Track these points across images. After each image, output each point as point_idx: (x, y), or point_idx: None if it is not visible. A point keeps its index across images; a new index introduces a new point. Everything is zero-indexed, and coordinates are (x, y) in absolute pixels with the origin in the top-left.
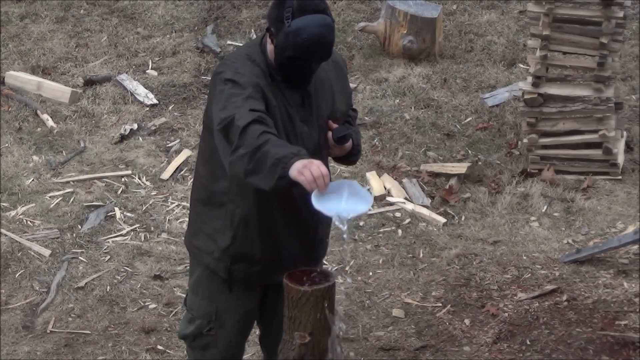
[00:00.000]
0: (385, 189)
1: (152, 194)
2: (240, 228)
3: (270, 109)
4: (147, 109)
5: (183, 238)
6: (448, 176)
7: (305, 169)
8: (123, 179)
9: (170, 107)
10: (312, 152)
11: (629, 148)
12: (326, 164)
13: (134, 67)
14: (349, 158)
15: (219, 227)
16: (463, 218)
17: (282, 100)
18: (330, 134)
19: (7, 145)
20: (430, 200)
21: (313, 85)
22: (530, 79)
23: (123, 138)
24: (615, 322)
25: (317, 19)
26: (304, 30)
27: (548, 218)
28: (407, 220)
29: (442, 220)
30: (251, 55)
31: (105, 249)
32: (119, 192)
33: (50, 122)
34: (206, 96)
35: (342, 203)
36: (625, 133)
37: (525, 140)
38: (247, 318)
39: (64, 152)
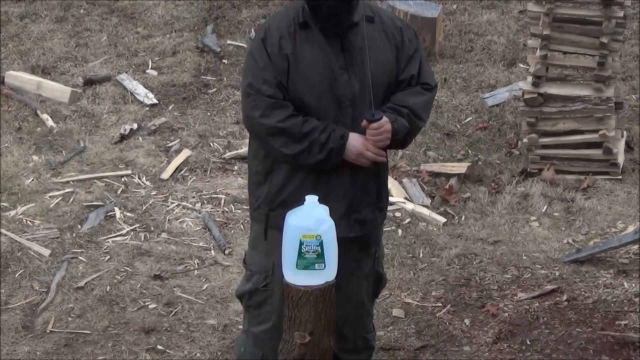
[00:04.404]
0: None
1: (152, 193)
2: (270, 174)
3: (288, 58)
4: (147, 108)
5: (183, 238)
6: (448, 176)
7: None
8: (123, 179)
9: (170, 107)
10: (351, 100)
11: (629, 148)
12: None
13: (133, 66)
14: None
15: (257, 181)
16: (463, 218)
17: (315, 47)
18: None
19: (7, 145)
20: (430, 200)
21: (359, 37)
22: (530, 78)
23: (123, 138)
24: (616, 322)
25: None
26: None
27: (548, 218)
28: (407, 220)
29: (442, 220)
30: (291, 7)
31: (105, 249)
32: (119, 192)
33: (50, 122)
34: (206, 96)
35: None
36: (625, 133)
37: (525, 140)
38: None
39: (63, 152)
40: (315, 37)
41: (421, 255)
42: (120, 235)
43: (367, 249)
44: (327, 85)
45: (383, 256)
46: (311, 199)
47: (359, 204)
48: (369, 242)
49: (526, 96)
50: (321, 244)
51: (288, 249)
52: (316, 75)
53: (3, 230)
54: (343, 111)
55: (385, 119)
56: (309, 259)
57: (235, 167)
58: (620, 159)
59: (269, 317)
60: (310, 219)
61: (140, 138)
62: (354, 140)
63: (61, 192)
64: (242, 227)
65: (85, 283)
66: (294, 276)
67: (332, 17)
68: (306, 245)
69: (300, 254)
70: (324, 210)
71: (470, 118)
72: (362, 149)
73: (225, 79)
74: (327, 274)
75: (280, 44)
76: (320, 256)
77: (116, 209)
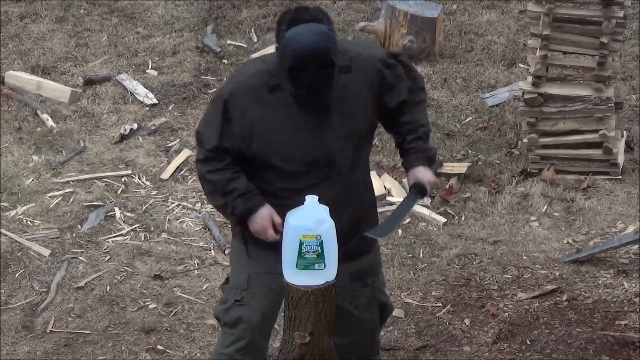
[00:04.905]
0: (385, 189)
1: (152, 193)
2: None
3: (253, 126)
4: (147, 108)
5: (183, 238)
6: (448, 176)
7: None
8: (123, 179)
9: (170, 107)
10: (326, 159)
11: (629, 148)
12: (349, 168)
13: (133, 66)
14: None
15: None
16: (463, 218)
17: (284, 113)
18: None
19: (7, 145)
20: (430, 200)
21: (334, 92)
22: (530, 78)
23: (123, 138)
24: (615, 322)
25: (309, 28)
26: (296, 38)
27: (548, 218)
28: (407, 220)
29: (442, 220)
30: (267, 62)
31: (105, 249)
32: (119, 192)
33: (50, 122)
34: (206, 96)
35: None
36: (625, 133)
37: (525, 140)
38: (277, 294)
39: (63, 152)
40: (286, 101)
41: (421, 255)
42: (120, 235)
43: (362, 279)
44: (299, 152)
45: (384, 284)
46: (311, 199)
47: (347, 236)
48: (363, 271)
49: (526, 96)
50: (321, 244)
51: (288, 249)
52: (285, 143)
53: (3, 230)
54: (318, 172)
55: (427, 176)
56: (309, 259)
57: None
58: (620, 159)
59: (243, 335)
60: (310, 219)
61: (140, 138)
62: (260, 218)
63: (61, 192)
64: None
65: (85, 283)
66: (294, 276)
67: (313, 88)
68: (306, 245)
69: (300, 254)
70: (324, 210)
71: (470, 118)
72: (261, 230)
73: (225, 79)
74: (327, 273)
75: (244, 110)
76: (321, 256)
77: (116, 209)
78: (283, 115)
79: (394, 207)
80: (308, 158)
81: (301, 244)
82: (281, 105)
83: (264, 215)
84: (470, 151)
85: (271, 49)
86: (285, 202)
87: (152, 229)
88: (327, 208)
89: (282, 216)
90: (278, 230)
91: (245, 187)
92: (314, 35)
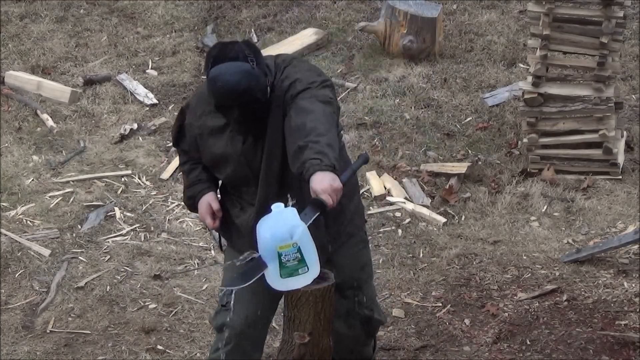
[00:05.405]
0: (385, 188)
1: (152, 193)
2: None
3: (196, 139)
4: (147, 108)
5: (183, 238)
6: (448, 176)
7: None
8: (123, 179)
9: (170, 107)
10: (257, 169)
11: (629, 148)
12: (274, 182)
13: (133, 66)
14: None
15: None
16: (463, 218)
17: (219, 135)
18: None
19: (7, 145)
20: (430, 200)
21: (273, 117)
22: (530, 78)
23: (123, 138)
24: (615, 322)
25: (231, 67)
26: (218, 77)
27: (548, 218)
28: (407, 220)
29: (442, 220)
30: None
31: (105, 249)
32: (119, 192)
33: (50, 122)
34: None
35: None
36: (625, 133)
37: (525, 140)
38: (262, 298)
39: (63, 152)
40: (221, 122)
41: (421, 255)
42: (120, 235)
43: (342, 291)
44: (232, 167)
45: (370, 300)
46: (277, 207)
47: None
48: (343, 283)
49: (526, 96)
50: (299, 250)
51: (268, 262)
52: (220, 160)
53: (3, 231)
54: (251, 181)
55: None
56: (291, 266)
57: None
58: (620, 159)
59: (228, 340)
60: (283, 229)
61: (140, 138)
62: (200, 206)
63: (61, 192)
64: None
65: (85, 283)
66: (281, 284)
67: (241, 123)
68: (285, 255)
69: (281, 265)
70: (292, 215)
71: (470, 118)
72: (201, 217)
73: None
74: (312, 273)
75: (193, 121)
76: (302, 261)
77: (116, 209)
78: (221, 132)
79: (393, 207)
80: (241, 174)
81: (280, 255)
82: (218, 127)
83: (203, 203)
84: (470, 151)
85: (270, 50)
86: (238, 207)
87: (152, 229)
88: (294, 209)
89: (241, 217)
90: (217, 216)
91: (196, 177)
92: (234, 75)
